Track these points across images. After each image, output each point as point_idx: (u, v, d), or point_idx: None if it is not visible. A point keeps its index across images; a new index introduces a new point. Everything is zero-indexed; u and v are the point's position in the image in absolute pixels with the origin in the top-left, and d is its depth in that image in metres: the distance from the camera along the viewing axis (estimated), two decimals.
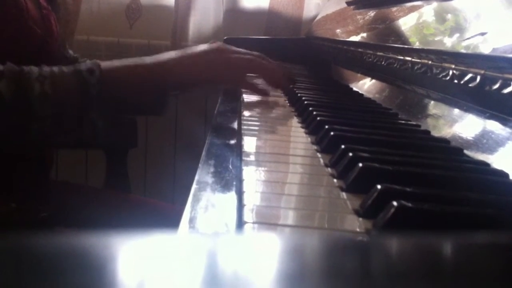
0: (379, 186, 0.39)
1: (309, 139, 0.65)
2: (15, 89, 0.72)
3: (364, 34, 1.06)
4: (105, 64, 0.80)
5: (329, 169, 0.51)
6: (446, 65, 0.65)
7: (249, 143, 0.59)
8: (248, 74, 0.96)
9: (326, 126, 0.62)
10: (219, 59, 0.88)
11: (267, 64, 0.96)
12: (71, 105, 0.76)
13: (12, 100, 0.72)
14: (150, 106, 0.87)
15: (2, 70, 0.73)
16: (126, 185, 1.31)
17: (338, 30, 1.31)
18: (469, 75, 0.58)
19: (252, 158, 0.53)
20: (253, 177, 0.46)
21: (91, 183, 1.68)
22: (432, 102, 0.73)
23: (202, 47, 0.89)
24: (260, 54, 0.98)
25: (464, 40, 0.64)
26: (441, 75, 0.66)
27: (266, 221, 0.37)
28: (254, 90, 0.96)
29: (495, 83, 0.53)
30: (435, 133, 0.67)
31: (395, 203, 0.35)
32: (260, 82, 1.00)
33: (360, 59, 1.02)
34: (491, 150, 0.54)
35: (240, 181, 0.45)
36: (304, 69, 1.46)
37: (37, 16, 0.91)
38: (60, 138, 0.77)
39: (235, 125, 0.71)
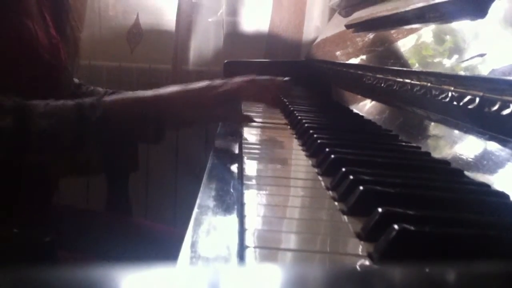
0: (380, 209, 0.39)
1: (309, 162, 0.65)
2: (17, 125, 0.75)
3: (364, 56, 1.06)
4: (106, 99, 0.83)
5: (330, 192, 0.51)
6: (445, 87, 0.65)
7: (250, 167, 0.59)
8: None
9: (327, 149, 0.62)
10: (212, 96, 0.86)
11: (256, 90, 0.94)
12: (69, 140, 0.78)
13: (13, 135, 0.75)
14: (147, 136, 0.88)
15: (8, 106, 0.75)
16: (127, 209, 1.31)
17: (337, 53, 1.32)
18: (468, 97, 0.58)
19: (253, 181, 0.53)
20: (254, 201, 0.46)
21: (93, 207, 1.67)
22: (432, 123, 0.74)
23: (202, 84, 0.89)
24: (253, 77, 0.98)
25: (463, 61, 0.64)
26: (440, 97, 0.66)
27: (268, 245, 0.37)
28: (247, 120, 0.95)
29: (494, 105, 0.53)
30: (435, 155, 0.67)
31: (396, 227, 0.35)
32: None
33: (359, 81, 1.03)
34: (491, 171, 0.54)
35: (241, 204, 0.45)
36: (304, 91, 1.46)
37: (47, 44, 0.93)
38: (56, 169, 0.80)
39: (236, 148, 0.71)
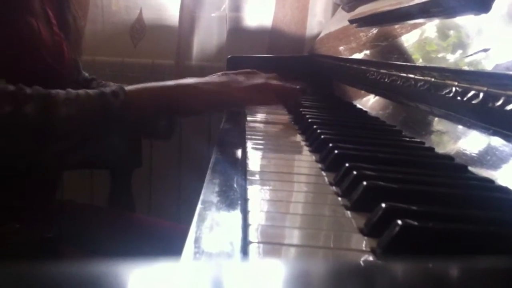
0: (383, 205, 0.39)
1: (313, 157, 0.65)
2: (41, 111, 0.75)
3: (367, 51, 1.06)
4: (129, 87, 0.84)
5: (333, 187, 0.51)
6: (449, 82, 0.65)
7: (254, 162, 0.59)
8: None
9: (330, 144, 0.62)
10: (232, 84, 0.91)
11: (286, 89, 0.98)
12: (94, 127, 0.79)
13: (37, 122, 0.75)
14: (161, 130, 0.90)
15: (30, 93, 0.75)
16: (130, 204, 1.31)
17: (341, 48, 1.31)
18: (472, 92, 0.58)
19: (256, 177, 0.53)
20: (258, 196, 0.46)
21: (96, 203, 1.68)
22: (436, 119, 0.74)
23: (216, 76, 0.94)
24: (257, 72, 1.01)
25: (466, 56, 0.64)
26: (444, 92, 0.66)
27: (271, 241, 0.37)
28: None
29: (498, 100, 0.53)
30: (439, 150, 0.67)
31: (399, 222, 0.35)
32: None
33: (363, 77, 1.03)
34: (495, 166, 0.54)
35: (245, 200, 0.45)
36: (307, 86, 1.46)
37: (50, 42, 0.93)
38: (79, 156, 0.80)
39: (240, 143, 0.71)
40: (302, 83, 1.29)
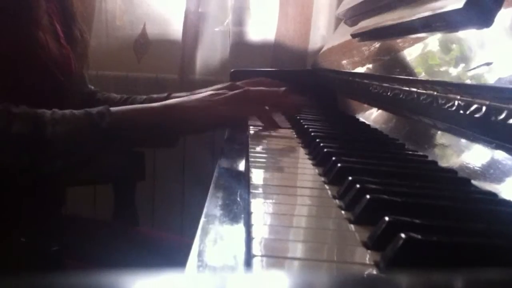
0: (387, 218, 0.39)
1: (316, 170, 0.65)
2: (29, 130, 0.76)
3: (370, 65, 1.06)
4: (114, 108, 0.84)
5: (337, 201, 0.51)
6: (452, 95, 0.65)
7: (257, 175, 0.59)
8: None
9: (333, 158, 0.62)
10: (213, 98, 0.90)
11: (267, 93, 0.97)
12: (82, 146, 0.80)
13: (27, 140, 0.76)
14: (160, 141, 0.90)
15: (18, 112, 0.75)
16: (134, 218, 1.31)
17: (343, 62, 1.32)
18: (475, 106, 0.59)
19: (260, 190, 0.53)
20: (261, 210, 0.46)
21: (100, 216, 1.68)
22: (439, 132, 0.74)
23: (208, 91, 0.94)
24: (265, 79, 1.00)
25: (469, 70, 0.64)
26: (446, 106, 0.66)
27: (275, 255, 0.37)
28: (262, 121, 0.97)
29: (500, 114, 0.53)
30: (442, 163, 0.67)
31: (403, 235, 0.35)
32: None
33: (366, 90, 1.03)
34: (498, 180, 0.54)
35: (248, 213, 0.45)
36: (310, 100, 1.46)
37: (57, 55, 0.94)
38: (70, 174, 0.80)
39: (243, 157, 0.71)
40: (305, 97, 1.29)
